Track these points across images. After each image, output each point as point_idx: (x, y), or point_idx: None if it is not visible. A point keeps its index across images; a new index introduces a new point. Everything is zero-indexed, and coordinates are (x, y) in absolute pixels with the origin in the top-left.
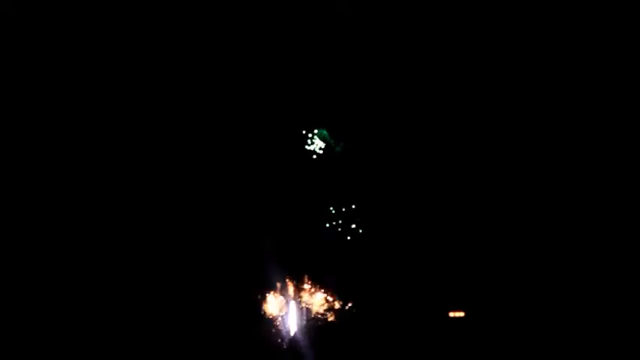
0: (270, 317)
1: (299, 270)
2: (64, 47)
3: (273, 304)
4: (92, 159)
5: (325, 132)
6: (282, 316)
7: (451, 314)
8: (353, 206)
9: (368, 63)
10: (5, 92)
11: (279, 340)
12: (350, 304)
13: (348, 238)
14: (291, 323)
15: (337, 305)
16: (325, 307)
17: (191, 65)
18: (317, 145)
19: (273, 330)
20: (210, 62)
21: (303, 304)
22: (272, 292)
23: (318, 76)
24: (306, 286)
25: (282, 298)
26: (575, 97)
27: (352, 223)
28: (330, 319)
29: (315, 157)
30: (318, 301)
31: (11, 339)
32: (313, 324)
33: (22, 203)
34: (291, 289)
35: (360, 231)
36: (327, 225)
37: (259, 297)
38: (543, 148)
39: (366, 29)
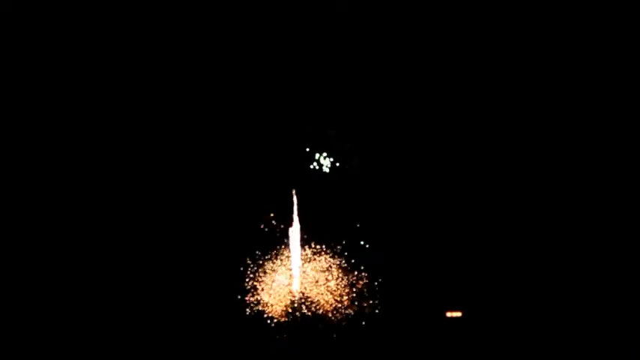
0: (271, 317)
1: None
2: (64, 47)
3: (275, 300)
4: (92, 158)
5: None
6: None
7: (448, 314)
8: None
9: (369, 63)
10: (5, 92)
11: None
12: (355, 303)
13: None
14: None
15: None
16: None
17: (189, 69)
18: (325, 163)
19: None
20: (208, 64)
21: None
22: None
23: (318, 76)
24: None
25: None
26: (575, 97)
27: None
28: (335, 317)
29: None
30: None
31: (11, 339)
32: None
33: (21, 201)
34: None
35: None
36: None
37: (257, 286)
38: (545, 147)
39: (366, 29)
